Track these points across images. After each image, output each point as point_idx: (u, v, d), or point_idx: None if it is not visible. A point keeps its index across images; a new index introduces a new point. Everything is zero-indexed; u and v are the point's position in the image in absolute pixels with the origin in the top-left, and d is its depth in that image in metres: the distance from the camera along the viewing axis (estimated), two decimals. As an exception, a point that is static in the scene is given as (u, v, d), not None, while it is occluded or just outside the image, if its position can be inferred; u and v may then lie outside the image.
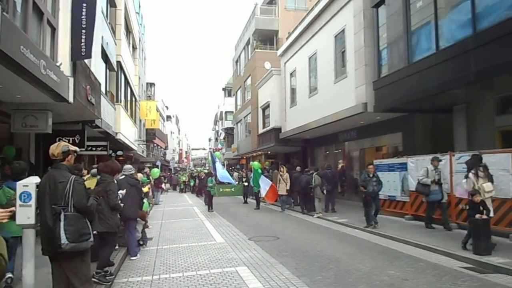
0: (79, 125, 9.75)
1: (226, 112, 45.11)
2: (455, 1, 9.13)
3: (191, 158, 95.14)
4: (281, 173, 14.89)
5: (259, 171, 16.33)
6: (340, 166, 15.63)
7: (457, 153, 9.29)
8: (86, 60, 8.83)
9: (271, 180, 15.56)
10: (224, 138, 46.25)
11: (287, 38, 21.06)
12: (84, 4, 8.11)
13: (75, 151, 4.05)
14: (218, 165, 16.78)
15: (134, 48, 22.44)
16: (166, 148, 48.97)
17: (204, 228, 11.09)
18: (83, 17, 8.06)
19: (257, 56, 27.14)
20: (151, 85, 37.90)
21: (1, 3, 4.72)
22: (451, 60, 8.74)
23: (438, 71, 9.12)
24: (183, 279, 5.81)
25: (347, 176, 16.49)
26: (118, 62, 15.34)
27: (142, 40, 27.08)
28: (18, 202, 3.69)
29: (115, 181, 6.06)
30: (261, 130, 25.37)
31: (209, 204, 15.85)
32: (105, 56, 12.65)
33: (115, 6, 15.40)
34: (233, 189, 19.96)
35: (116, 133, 13.73)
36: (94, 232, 4.52)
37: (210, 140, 77.59)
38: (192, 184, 30.13)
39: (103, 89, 11.54)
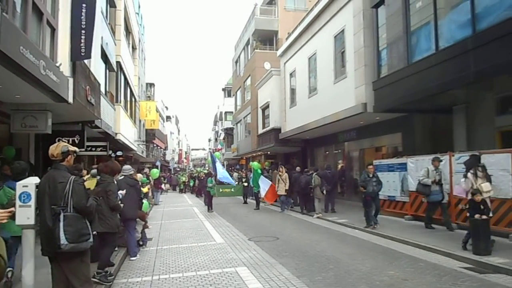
0: (78, 125, 9.74)
1: (225, 113, 45.10)
2: (454, 2, 9.13)
3: (191, 158, 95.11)
4: (280, 173, 14.89)
5: (259, 171, 16.34)
6: (339, 166, 15.64)
7: (457, 153, 9.29)
8: (85, 61, 8.83)
9: (271, 181, 15.56)
10: (224, 139, 46.25)
11: (286, 39, 21.06)
12: (84, 5, 8.10)
13: (75, 152, 4.05)
14: (219, 165, 16.77)
15: (133, 48, 22.43)
16: (165, 148, 48.95)
17: (204, 228, 11.09)
18: (82, 17, 8.06)
19: (256, 57, 27.15)
20: (150, 85, 37.89)
21: (1, 4, 4.72)
22: (450, 60, 8.74)
23: (438, 72, 9.12)
24: (183, 279, 5.81)
25: (346, 176, 16.50)
26: (118, 63, 15.34)
27: (141, 40, 27.08)
28: (18, 203, 3.69)
29: (115, 182, 6.06)
30: (260, 131, 25.37)
31: (209, 204, 15.85)
32: (104, 57, 12.65)
33: (115, 7, 15.39)
34: (232, 190, 19.97)
35: (116, 134, 13.73)
36: (94, 232, 4.53)
37: (210, 140, 77.58)
38: (191, 184, 30.12)
39: (102, 89, 11.54)
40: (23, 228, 3.75)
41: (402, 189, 11.21)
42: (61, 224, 3.59)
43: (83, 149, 9.50)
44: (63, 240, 3.55)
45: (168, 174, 39.83)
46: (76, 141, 9.29)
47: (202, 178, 22.56)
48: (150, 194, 14.72)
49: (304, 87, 18.15)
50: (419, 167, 10.39)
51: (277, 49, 23.98)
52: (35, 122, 7.34)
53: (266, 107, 24.37)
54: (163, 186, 26.84)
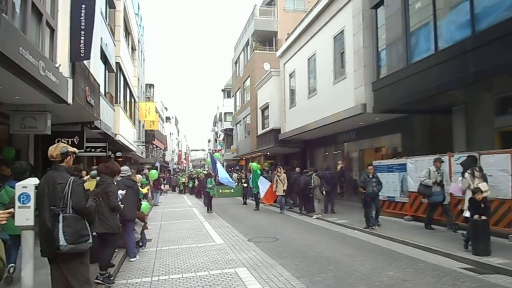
0: (78, 126, 9.74)
1: (225, 113, 45.11)
2: (454, 2, 9.14)
3: (191, 159, 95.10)
4: (278, 173, 14.86)
5: (258, 172, 16.34)
6: (339, 167, 15.65)
7: (456, 154, 9.30)
8: (85, 62, 8.82)
9: (271, 181, 15.55)
10: (223, 139, 46.25)
11: (286, 39, 21.08)
12: (83, 6, 8.10)
13: (74, 152, 4.04)
14: (220, 167, 16.76)
15: (133, 49, 22.43)
16: (165, 149, 48.94)
17: (204, 229, 11.08)
18: (82, 18, 8.06)
19: (256, 57, 27.16)
20: (150, 86, 37.88)
21: (0, 4, 4.72)
22: (450, 61, 8.75)
23: (437, 72, 9.13)
24: (183, 280, 5.80)
25: (346, 177, 16.51)
26: (117, 63, 15.33)
27: (141, 41, 27.08)
28: (17, 204, 3.68)
29: (115, 182, 6.05)
30: (260, 131, 25.38)
31: (208, 205, 15.84)
32: (104, 58, 12.64)
33: (114, 8, 15.37)
34: (232, 190, 19.99)
35: (115, 134, 13.71)
36: (94, 233, 4.52)
37: (209, 141, 77.60)
38: (191, 185, 30.11)
39: (102, 90, 11.54)
40: (22, 229, 3.75)
41: (402, 189, 11.21)
42: (60, 225, 3.58)
43: (82, 150, 9.48)
44: (62, 241, 3.54)
45: (168, 175, 39.83)
46: (76, 142, 9.28)
47: (202, 179, 22.56)
48: (149, 195, 14.71)
49: (304, 87, 18.16)
50: (418, 168, 10.40)
51: (277, 50, 24.00)
52: (35, 123, 7.33)
53: (265, 107, 24.38)
54: (162, 187, 26.84)
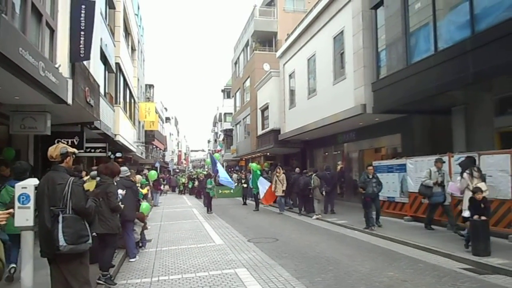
0: (78, 126, 9.73)
1: (225, 114, 45.11)
2: (453, 3, 9.15)
3: (190, 159, 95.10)
4: (277, 174, 14.85)
5: (258, 172, 16.33)
6: (339, 167, 15.63)
7: (456, 154, 9.30)
8: (85, 62, 8.82)
9: (270, 182, 15.54)
10: (223, 140, 46.24)
11: (286, 40, 21.08)
12: (83, 6, 8.11)
13: (74, 153, 4.04)
14: (220, 168, 16.75)
15: (133, 49, 22.43)
16: (165, 149, 48.93)
17: (203, 229, 11.08)
18: (82, 19, 8.06)
19: (256, 58, 27.17)
20: (150, 86, 37.89)
21: (0, 5, 4.72)
22: (449, 61, 8.76)
23: (437, 73, 9.13)
24: (182, 281, 5.80)
25: (346, 177, 16.50)
26: (117, 64, 15.34)
27: (141, 41, 27.09)
28: (17, 204, 3.68)
29: (115, 183, 6.05)
30: (260, 132, 25.38)
31: (208, 205, 15.83)
32: (104, 58, 12.65)
33: (114, 8, 15.38)
34: (232, 191, 19.98)
35: (115, 135, 13.71)
36: (94, 233, 4.52)
37: (209, 141, 77.62)
38: (190, 186, 30.10)
39: (102, 90, 11.54)
40: (22, 230, 3.75)
41: (402, 190, 11.21)
42: (60, 225, 3.58)
43: (82, 151, 9.48)
44: (62, 241, 3.54)
45: (168, 175, 39.81)
46: (75, 143, 9.29)
47: (202, 179, 22.55)
48: (149, 195, 14.69)
49: (303, 88, 18.16)
50: (418, 168, 10.40)
51: (276, 50, 24.00)
52: (34, 124, 7.33)
53: (265, 108, 24.38)
54: (162, 187, 26.82)
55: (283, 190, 14.53)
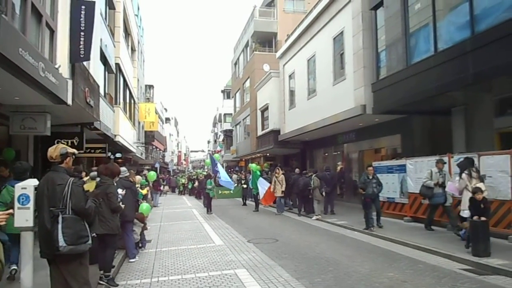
0: (77, 127, 9.73)
1: (225, 114, 45.13)
2: (453, 3, 9.15)
3: (190, 160, 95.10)
4: (276, 174, 14.82)
5: (258, 173, 16.33)
6: (339, 168, 15.63)
7: (456, 155, 9.30)
8: (85, 63, 8.82)
9: (270, 182, 15.52)
10: (223, 140, 46.27)
11: (285, 40, 21.10)
12: (83, 7, 8.11)
13: (74, 154, 4.04)
14: (221, 168, 16.75)
15: (133, 50, 22.44)
16: (165, 150, 48.94)
17: (203, 230, 11.07)
18: (81, 19, 8.06)
19: (256, 58, 27.17)
20: (150, 87, 37.90)
21: (0, 5, 4.72)
22: (449, 62, 8.76)
23: (437, 73, 9.13)
24: (182, 281, 5.80)
25: (346, 178, 16.50)
26: (117, 64, 15.34)
27: (141, 42, 27.09)
28: (17, 205, 3.68)
29: (115, 184, 6.05)
30: (260, 132, 25.38)
31: (208, 206, 15.83)
32: (103, 59, 12.65)
33: (114, 9, 15.39)
34: (232, 191, 19.97)
35: (115, 135, 13.71)
36: (93, 234, 4.52)
37: (209, 142, 77.65)
38: (190, 186, 30.08)
39: (102, 91, 11.54)
40: (22, 230, 3.74)
41: (402, 190, 11.21)
42: (60, 226, 3.57)
43: (82, 151, 9.48)
44: (61, 242, 3.53)
45: (167, 176, 39.81)
46: (75, 143, 9.28)
47: (201, 180, 22.55)
48: (149, 196, 14.69)
49: (303, 89, 18.16)
50: (418, 169, 10.40)
51: (276, 51, 24.01)
52: (34, 124, 7.33)
53: (265, 109, 24.38)
54: (162, 188, 26.82)
55: (282, 191, 14.50)
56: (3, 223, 3.54)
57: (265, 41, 28.25)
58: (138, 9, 26.14)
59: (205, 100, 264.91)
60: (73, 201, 3.68)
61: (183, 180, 34.77)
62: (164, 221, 13.39)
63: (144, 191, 10.63)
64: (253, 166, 17.43)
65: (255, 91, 26.51)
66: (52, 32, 7.48)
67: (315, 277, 5.77)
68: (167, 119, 56.22)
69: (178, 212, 17.13)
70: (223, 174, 16.08)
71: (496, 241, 7.08)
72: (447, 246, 7.32)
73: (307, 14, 17.77)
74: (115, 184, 6.01)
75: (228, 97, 43.47)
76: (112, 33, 14.53)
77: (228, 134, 41.51)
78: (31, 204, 3.69)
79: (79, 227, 3.70)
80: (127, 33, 19.74)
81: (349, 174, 17.03)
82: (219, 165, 16.54)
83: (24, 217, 3.67)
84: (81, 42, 8.02)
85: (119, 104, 15.61)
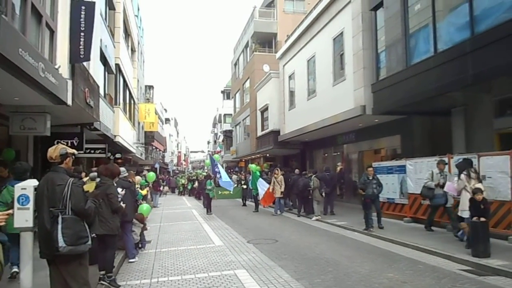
0: (77, 127, 9.73)
1: (225, 115, 45.14)
2: (453, 4, 9.16)
3: (190, 160, 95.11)
4: (275, 175, 14.80)
5: (257, 173, 16.32)
6: (338, 168, 15.63)
7: (456, 156, 9.29)
8: (84, 63, 8.82)
9: (269, 183, 15.48)
10: (223, 141, 46.29)
11: (285, 41, 21.10)
12: (83, 7, 8.11)
13: (73, 154, 4.04)
14: (222, 169, 16.74)
15: (132, 50, 22.45)
16: (164, 150, 48.95)
17: (203, 231, 11.07)
18: (81, 20, 8.06)
19: (255, 59, 27.19)
20: (149, 87, 37.92)
21: (0, 6, 4.72)
22: (449, 62, 8.76)
23: (436, 74, 9.14)
24: (182, 282, 5.80)
25: (345, 178, 16.49)
26: (117, 65, 15.34)
27: (141, 42, 27.11)
28: (16, 205, 3.68)
29: (115, 184, 6.05)
30: (259, 133, 25.39)
31: (208, 206, 15.83)
32: (103, 59, 12.65)
33: (114, 9, 15.40)
34: (231, 192, 19.98)
35: (115, 136, 13.71)
36: (93, 235, 4.52)
37: (209, 142, 77.65)
38: (190, 187, 30.07)
39: (101, 91, 11.53)
40: (21, 231, 3.74)
41: (401, 191, 11.21)
42: (59, 226, 3.57)
43: (81, 152, 9.48)
44: (61, 242, 3.53)
45: (167, 176, 39.80)
46: (75, 144, 9.28)
47: (201, 180, 22.55)
48: (148, 196, 14.68)
49: (303, 89, 18.17)
50: (418, 169, 10.40)
51: (276, 52, 24.02)
52: (34, 124, 7.32)
53: (265, 109, 24.39)
54: (161, 188, 26.81)
55: (281, 192, 14.48)
56: (3, 223, 3.54)
57: (265, 41, 28.27)
58: (138, 9, 26.16)
59: (205, 100, 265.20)
60: (72, 202, 3.68)
61: (183, 181, 34.76)
62: (163, 222, 13.39)
63: (143, 192, 10.62)
64: (252, 166, 17.44)
65: (255, 91, 26.52)
66: (52, 33, 7.48)
67: (314, 278, 5.77)
68: (167, 120, 56.23)
69: (177, 212, 17.12)
70: (224, 175, 16.09)
71: (496, 241, 7.07)
72: (447, 246, 7.32)
73: (307, 15, 17.78)
74: (115, 184, 6.01)
75: (228, 98, 43.48)
76: (112, 34, 14.53)
77: (228, 134, 41.53)
78: (30, 205, 3.69)
79: (78, 228, 3.70)
80: (127, 33, 19.76)
81: (349, 174, 17.04)
82: (219, 166, 16.54)
83: (23, 217, 3.67)
84: (81, 43, 8.02)
85: (119, 105, 15.61)
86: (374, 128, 14.18)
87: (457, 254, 6.72)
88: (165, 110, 53.03)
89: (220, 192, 20.26)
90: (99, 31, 10.97)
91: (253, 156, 29.18)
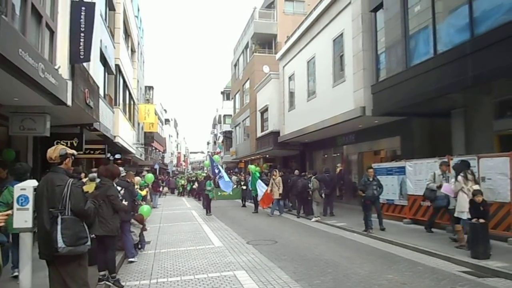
0: (77, 128, 9.73)
1: (224, 116, 45.17)
2: (453, 6, 9.18)
3: (190, 161, 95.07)
4: (273, 176, 14.76)
5: (257, 174, 16.31)
6: (338, 169, 15.62)
7: (455, 157, 9.29)
8: (84, 64, 8.82)
9: (267, 184, 15.44)
10: (222, 142, 46.28)
11: (285, 42, 21.13)
12: (83, 8, 8.11)
13: (73, 154, 4.03)
14: (222, 170, 16.73)
15: (132, 51, 22.46)
16: (164, 151, 48.95)
17: (202, 231, 11.06)
18: (82, 20, 8.06)
19: (255, 60, 27.21)
20: (149, 88, 37.91)
21: (0, 6, 4.72)
22: (449, 64, 8.77)
23: (436, 75, 9.15)
24: (181, 283, 5.79)
25: (345, 179, 16.50)
26: (117, 66, 15.35)
27: (140, 43, 27.12)
28: (16, 206, 3.67)
29: (115, 185, 6.05)
30: (259, 134, 25.40)
31: (207, 207, 15.82)
32: (103, 60, 12.65)
33: (114, 10, 15.41)
34: (231, 193, 19.98)
35: (115, 136, 13.70)
36: (93, 235, 4.51)
37: (208, 143, 77.63)
38: (189, 188, 30.06)
39: (101, 92, 11.52)
40: (21, 231, 3.74)
41: (401, 192, 11.21)
42: (59, 227, 3.56)
43: (81, 152, 9.48)
44: (60, 243, 3.52)
45: (167, 177, 39.79)
46: (75, 144, 9.27)
47: (201, 181, 22.54)
48: (148, 197, 14.67)
49: (303, 90, 18.18)
50: (417, 171, 10.41)
51: (276, 53, 24.05)
52: (34, 125, 7.32)
53: (265, 110, 24.40)
54: (161, 189, 26.80)
55: (279, 193, 14.43)
56: (2, 224, 3.53)
57: (265, 42, 28.30)
58: (138, 10, 26.18)
59: (204, 101, 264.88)
60: (72, 202, 3.67)
61: (183, 182, 34.75)
62: (163, 223, 13.38)
63: (143, 192, 10.62)
64: (252, 167, 17.43)
65: (254, 92, 26.54)
66: (52, 33, 7.48)
67: (314, 279, 5.77)
68: (167, 120, 56.23)
69: (177, 213, 17.11)
70: (225, 175, 16.11)
71: (496, 243, 7.07)
72: (446, 248, 7.32)
73: (307, 16, 17.80)
74: (115, 185, 6.01)
75: (228, 99, 43.50)
76: (112, 34, 14.54)
77: (227, 135, 41.53)
78: (30, 205, 3.68)
79: (78, 228, 3.69)
80: (127, 34, 19.77)
81: (349, 175, 17.04)
82: (220, 167, 16.55)
83: (23, 218, 3.66)
84: (81, 43, 8.02)
85: (119, 105, 15.61)
86: (374, 129, 14.18)
87: (457, 255, 6.72)
88: (165, 110, 53.04)
89: (219, 193, 20.24)
90: (99, 31, 10.97)
91: (252, 157, 29.19)
